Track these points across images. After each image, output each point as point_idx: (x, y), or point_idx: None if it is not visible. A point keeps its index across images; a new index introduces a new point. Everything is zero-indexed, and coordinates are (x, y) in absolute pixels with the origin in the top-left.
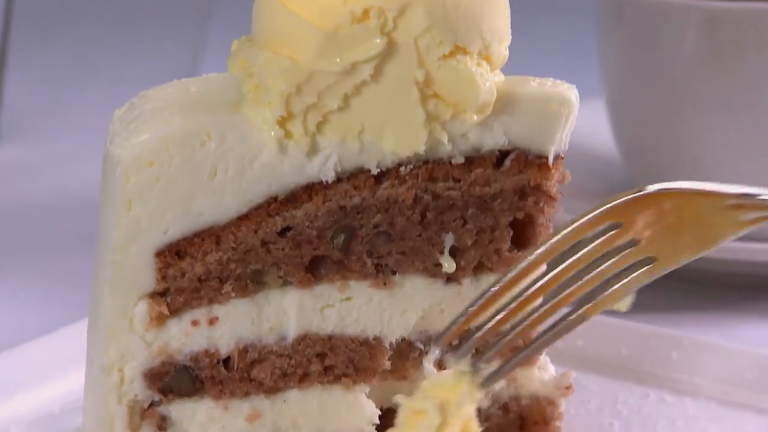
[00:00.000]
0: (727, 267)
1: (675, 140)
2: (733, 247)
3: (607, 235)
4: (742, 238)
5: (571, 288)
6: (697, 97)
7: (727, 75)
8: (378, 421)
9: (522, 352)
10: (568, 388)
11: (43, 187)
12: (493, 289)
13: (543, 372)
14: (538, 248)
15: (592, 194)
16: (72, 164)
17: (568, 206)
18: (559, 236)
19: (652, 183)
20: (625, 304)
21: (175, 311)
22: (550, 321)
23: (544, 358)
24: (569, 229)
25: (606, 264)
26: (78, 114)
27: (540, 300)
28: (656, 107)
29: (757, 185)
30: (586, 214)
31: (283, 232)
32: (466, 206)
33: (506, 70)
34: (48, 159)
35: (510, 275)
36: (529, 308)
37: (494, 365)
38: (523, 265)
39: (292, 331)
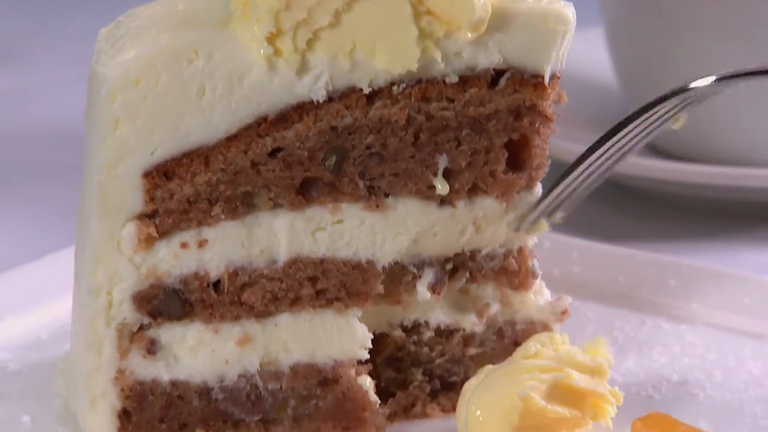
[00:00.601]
0: (725, 194)
1: (674, 66)
2: (731, 174)
3: None
4: (740, 164)
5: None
6: (696, 22)
7: (727, 0)
8: (370, 346)
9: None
10: (564, 312)
11: (31, 116)
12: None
13: (538, 297)
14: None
15: (590, 122)
16: (61, 93)
17: (566, 133)
18: None
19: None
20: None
21: (163, 233)
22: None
23: (539, 283)
24: None
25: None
26: (67, 42)
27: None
28: (655, 33)
29: (756, 114)
30: None
31: (273, 153)
32: (460, 127)
33: None
34: (36, 87)
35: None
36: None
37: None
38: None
39: (282, 255)
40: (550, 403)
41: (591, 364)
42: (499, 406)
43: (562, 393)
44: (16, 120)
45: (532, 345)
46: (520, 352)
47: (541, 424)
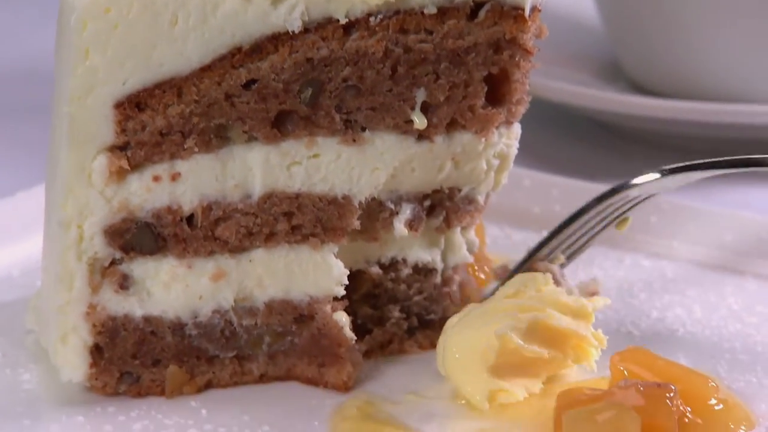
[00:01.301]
0: (707, 131)
1: (657, 3)
2: (712, 110)
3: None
4: (721, 100)
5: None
6: None
7: None
8: (347, 282)
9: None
10: (593, 294)
11: (2, 54)
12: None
13: None
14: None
15: (572, 58)
16: (33, 30)
17: (549, 72)
18: None
19: (633, 50)
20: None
21: (135, 166)
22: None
23: None
24: None
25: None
26: None
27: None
28: None
29: (735, 50)
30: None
31: (247, 85)
32: (439, 60)
33: None
34: (7, 25)
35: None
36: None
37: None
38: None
39: (257, 189)
40: (527, 342)
41: (574, 305)
42: (477, 344)
43: (541, 333)
44: None
45: (514, 285)
46: (502, 291)
47: (519, 364)
